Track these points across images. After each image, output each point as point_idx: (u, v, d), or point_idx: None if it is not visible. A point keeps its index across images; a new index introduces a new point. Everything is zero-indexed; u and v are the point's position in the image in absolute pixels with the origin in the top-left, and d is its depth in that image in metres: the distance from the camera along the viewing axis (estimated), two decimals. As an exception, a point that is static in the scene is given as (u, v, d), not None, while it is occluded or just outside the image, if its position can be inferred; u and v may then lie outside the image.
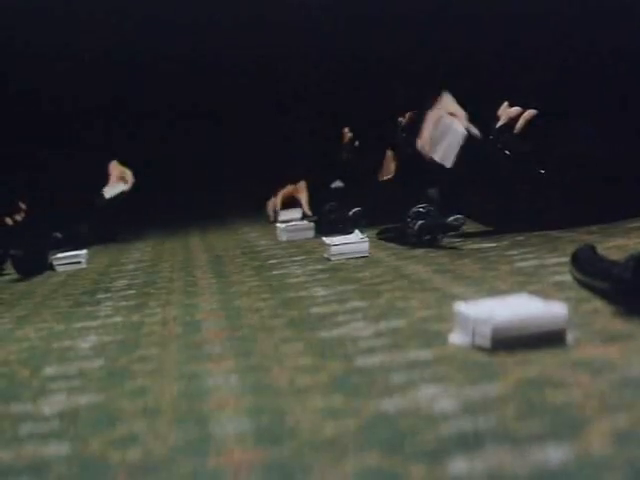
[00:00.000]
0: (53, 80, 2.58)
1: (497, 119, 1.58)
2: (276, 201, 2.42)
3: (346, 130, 2.26)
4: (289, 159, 2.58)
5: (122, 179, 2.48)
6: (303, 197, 2.39)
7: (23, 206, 2.32)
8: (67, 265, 1.83)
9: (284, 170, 2.48)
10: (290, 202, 2.46)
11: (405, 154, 2.04)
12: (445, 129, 1.64)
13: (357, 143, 2.22)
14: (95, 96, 2.82)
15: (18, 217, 2.26)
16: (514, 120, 1.55)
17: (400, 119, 2.08)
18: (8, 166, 2.31)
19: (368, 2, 2.16)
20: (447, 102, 1.81)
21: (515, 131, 1.54)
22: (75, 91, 2.64)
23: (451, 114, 1.78)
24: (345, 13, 2.24)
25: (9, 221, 2.17)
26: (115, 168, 2.49)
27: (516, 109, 1.56)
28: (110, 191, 2.44)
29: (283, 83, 2.66)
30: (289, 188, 2.44)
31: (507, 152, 1.55)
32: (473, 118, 1.67)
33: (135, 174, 2.83)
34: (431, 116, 1.75)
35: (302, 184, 2.44)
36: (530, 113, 1.55)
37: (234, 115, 3.13)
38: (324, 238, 1.57)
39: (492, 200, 1.59)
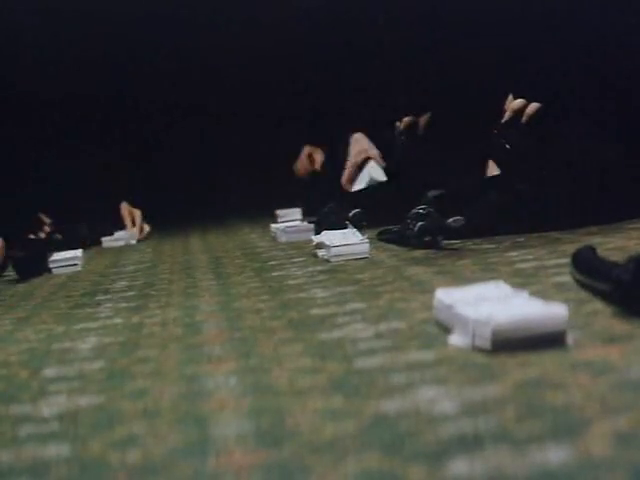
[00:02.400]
0: (48, 80, 2.58)
1: (503, 113, 1.58)
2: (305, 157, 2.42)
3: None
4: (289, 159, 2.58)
5: (132, 222, 2.50)
6: (318, 157, 2.35)
7: (47, 220, 2.29)
8: (63, 267, 1.83)
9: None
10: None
11: (403, 157, 2.05)
12: (364, 172, 2.04)
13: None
14: (93, 95, 2.83)
15: (42, 234, 2.24)
16: (518, 114, 1.56)
17: (397, 123, 2.09)
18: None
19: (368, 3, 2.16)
20: (362, 144, 1.97)
21: (519, 125, 1.55)
22: (72, 91, 2.64)
23: (367, 156, 2.04)
24: (344, 13, 2.25)
25: (32, 236, 2.16)
26: (125, 209, 2.51)
27: (520, 101, 1.57)
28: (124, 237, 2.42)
29: (283, 82, 2.66)
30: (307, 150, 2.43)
31: (507, 146, 1.56)
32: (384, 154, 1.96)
33: (135, 174, 2.84)
34: (353, 158, 2.03)
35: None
36: (533, 107, 1.56)
37: (234, 115, 3.13)
38: (316, 237, 1.57)
39: (492, 201, 1.59)
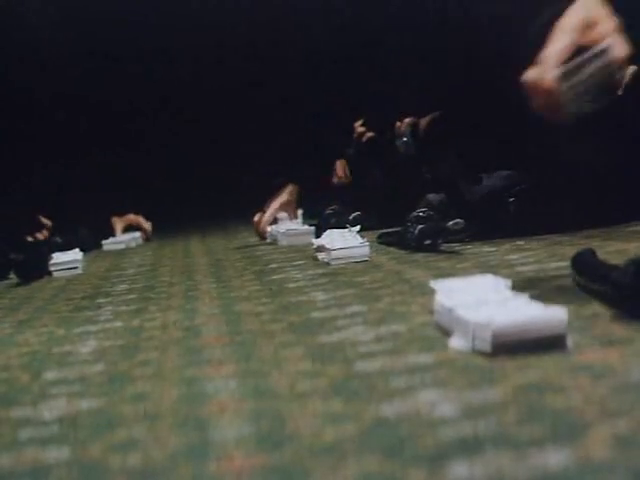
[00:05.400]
0: (49, 83, 2.58)
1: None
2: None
3: (357, 124, 2.25)
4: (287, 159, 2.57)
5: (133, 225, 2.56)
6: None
7: (47, 222, 2.29)
8: (63, 270, 1.83)
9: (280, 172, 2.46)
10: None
11: (404, 159, 2.05)
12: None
13: (365, 139, 2.21)
14: (93, 98, 2.83)
15: (40, 235, 2.24)
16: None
17: (398, 124, 2.09)
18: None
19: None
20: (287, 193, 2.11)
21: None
22: (73, 94, 2.64)
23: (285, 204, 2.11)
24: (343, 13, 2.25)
25: (31, 239, 2.16)
26: (117, 222, 2.57)
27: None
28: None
29: (283, 84, 2.66)
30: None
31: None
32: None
33: (137, 178, 2.83)
34: (275, 203, 2.09)
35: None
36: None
37: (234, 117, 3.13)
38: (317, 240, 1.57)
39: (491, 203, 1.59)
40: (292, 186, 2.20)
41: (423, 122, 2.09)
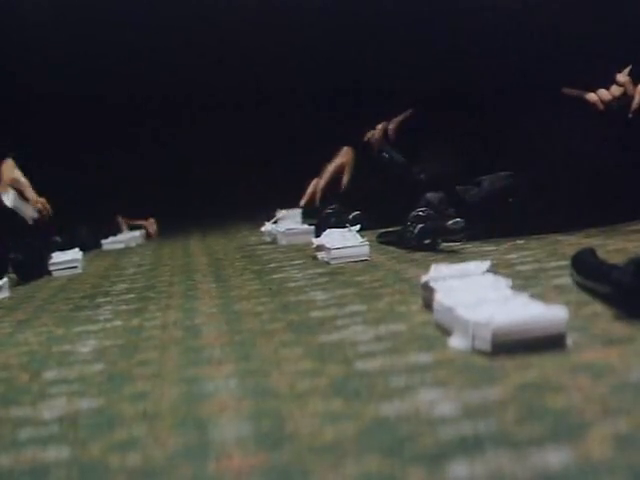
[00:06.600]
0: (48, 82, 2.58)
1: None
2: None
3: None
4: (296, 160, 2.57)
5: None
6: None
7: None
8: (63, 270, 1.83)
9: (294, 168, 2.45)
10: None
11: (394, 166, 2.05)
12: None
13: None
14: (93, 98, 2.83)
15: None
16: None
17: (369, 134, 2.11)
18: None
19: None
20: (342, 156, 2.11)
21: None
22: (73, 93, 2.64)
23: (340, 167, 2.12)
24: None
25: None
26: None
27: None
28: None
29: (284, 85, 2.66)
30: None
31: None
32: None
33: (136, 178, 2.83)
34: (330, 167, 2.11)
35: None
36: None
37: (234, 117, 3.13)
38: (316, 239, 1.57)
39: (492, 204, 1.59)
40: (347, 149, 2.21)
41: (393, 123, 2.10)
